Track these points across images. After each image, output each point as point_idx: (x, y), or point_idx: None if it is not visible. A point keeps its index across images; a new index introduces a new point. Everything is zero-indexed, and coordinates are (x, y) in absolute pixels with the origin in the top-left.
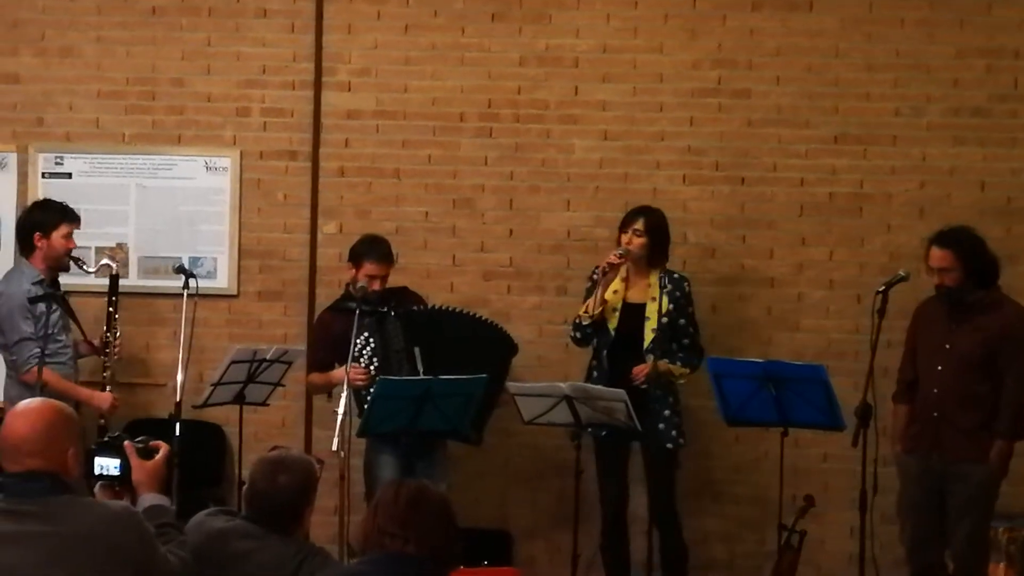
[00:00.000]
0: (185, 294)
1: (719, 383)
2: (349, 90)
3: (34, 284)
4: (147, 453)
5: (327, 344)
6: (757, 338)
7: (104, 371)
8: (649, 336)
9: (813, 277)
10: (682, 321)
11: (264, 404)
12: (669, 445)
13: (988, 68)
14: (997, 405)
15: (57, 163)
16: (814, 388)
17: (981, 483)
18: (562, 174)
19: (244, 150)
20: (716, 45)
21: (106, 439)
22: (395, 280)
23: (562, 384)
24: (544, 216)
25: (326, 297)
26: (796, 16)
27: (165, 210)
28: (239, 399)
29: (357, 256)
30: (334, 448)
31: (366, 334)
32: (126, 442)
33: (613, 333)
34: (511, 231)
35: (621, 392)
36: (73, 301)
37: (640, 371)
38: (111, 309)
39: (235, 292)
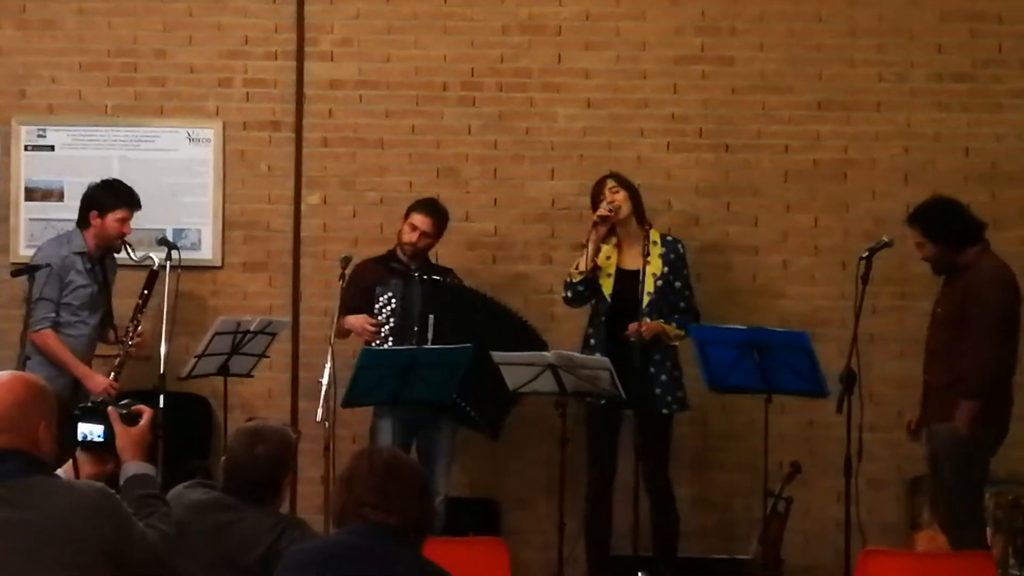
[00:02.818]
0: (168, 266)
1: (703, 350)
2: (332, 60)
3: (76, 253)
4: (131, 419)
5: (357, 291)
6: (742, 305)
7: (116, 356)
8: (645, 300)
9: (798, 244)
10: (678, 284)
11: (249, 375)
12: (665, 411)
13: (972, 33)
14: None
15: (40, 136)
16: (797, 355)
17: (945, 442)
18: (546, 143)
19: (227, 121)
20: (699, 12)
21: (90, 404)
22: (381, 250)
23: (546, 353)
24: (528, 185)
25: (311, 268)
26: None
27: (148, 182)
28: (223, 371)
29: (409, 209)
30: (318, 419)
31: (389, 294)
32: (110, 408)
33: (609, 300)
34: (495, 200)
35: (605, 360)
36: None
37: (634, 328)
38: (140, 302)
39: (219, 263)
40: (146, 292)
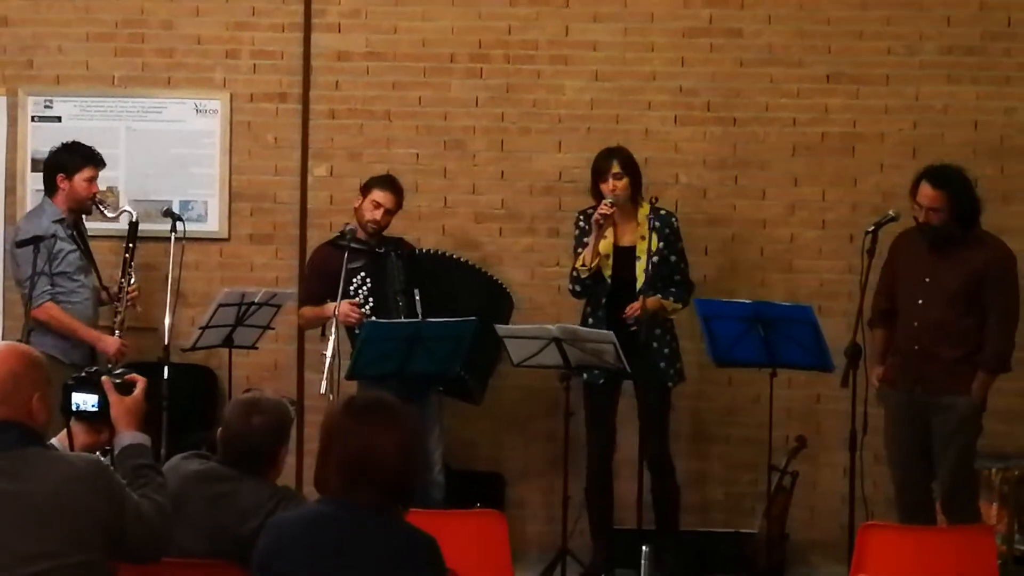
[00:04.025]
0: (173, 237)
1: (708, 324)
2: (339, 32)
3: (55, 222)
4: (125, 388)
5: (321, 278)
6: (750, 279)
7: (115, 316)
8: (642, 277)
9: (806, 217)
10: (673, 258)
11: (253, 347)
12: (669, 384)
13: (981, 5)
14: (979, 338)
15: (47, 106)
16: (802, 328)
17: (964, 415)
18: (553, 115)
19: (234, 92)
20: None
21: (84, 374)
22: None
23: (551, 326)
24: (535, 158)
25: (317, 240)
26: None
27: (155, 153)
28: (228, 342)
29: (367, 187)
30: (322, 391)
31: (363, 273)
32: (104, 377)
33: (609, 280)
34: (502, 173)
35: (609, 334)
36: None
37: (632, 309)
38: (127, 255)
39: (226, 235)
40: (131, 245)
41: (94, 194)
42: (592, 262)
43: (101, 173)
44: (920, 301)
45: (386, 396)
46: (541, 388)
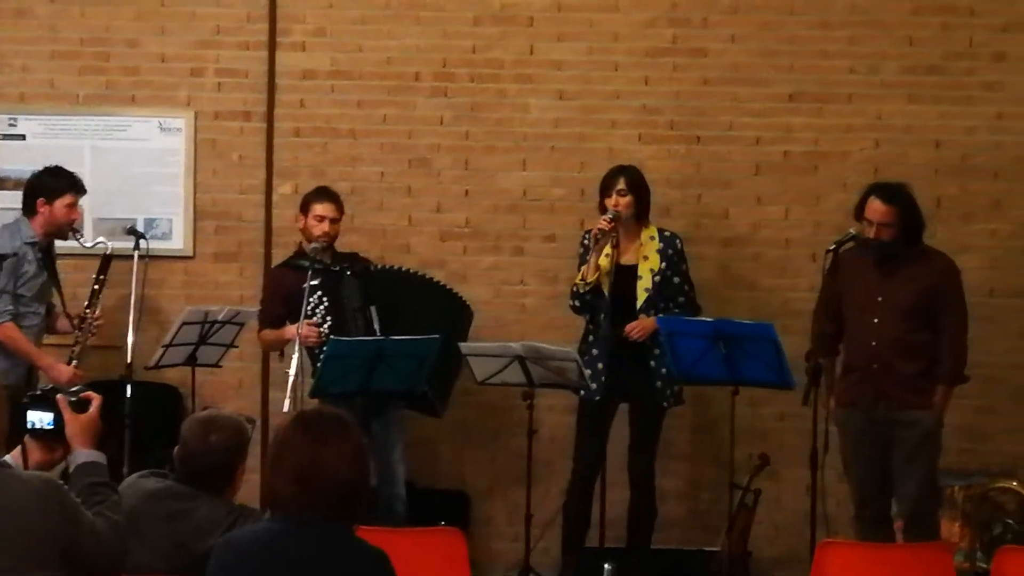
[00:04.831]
0: (136, 255)
1: (671, 341)
2: (304, 50)
3: (27, 243)
4: (80, 405)
5: (278, 300)
6: (714, 297)
7: (74, 344)
8: (642, 296)
9: (769, 236)
10: (676, 280)
11: (217, 365)
12: (664, 404)
13: (943, 26)
14: (934, 353)
15: (11, 124)
16: (764, 346)
17: (928, 430)
18: (518, 133)
19: (199, 111)
20: (671, 3)
21: (39, 392)
22: (352, 240)
23: (514, 344)
24: (500, 176)
25: (282, 258)
26: None
27: (120, 171)
28: (191, 360)
29: (305, 203)
30: (285, 409)
31: (319, 293)
32: (59, 395)
33: (608, 297)
34: (467, 191)
35: (572, 352)
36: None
37: (632, 328)
38: (96, 287)
39: (191, 253)
40: (101, 277)
41: (73, 220)
42: (591, 277)
43: None
44: (875, 320)
45: (335, 411)
46: (505, 406)
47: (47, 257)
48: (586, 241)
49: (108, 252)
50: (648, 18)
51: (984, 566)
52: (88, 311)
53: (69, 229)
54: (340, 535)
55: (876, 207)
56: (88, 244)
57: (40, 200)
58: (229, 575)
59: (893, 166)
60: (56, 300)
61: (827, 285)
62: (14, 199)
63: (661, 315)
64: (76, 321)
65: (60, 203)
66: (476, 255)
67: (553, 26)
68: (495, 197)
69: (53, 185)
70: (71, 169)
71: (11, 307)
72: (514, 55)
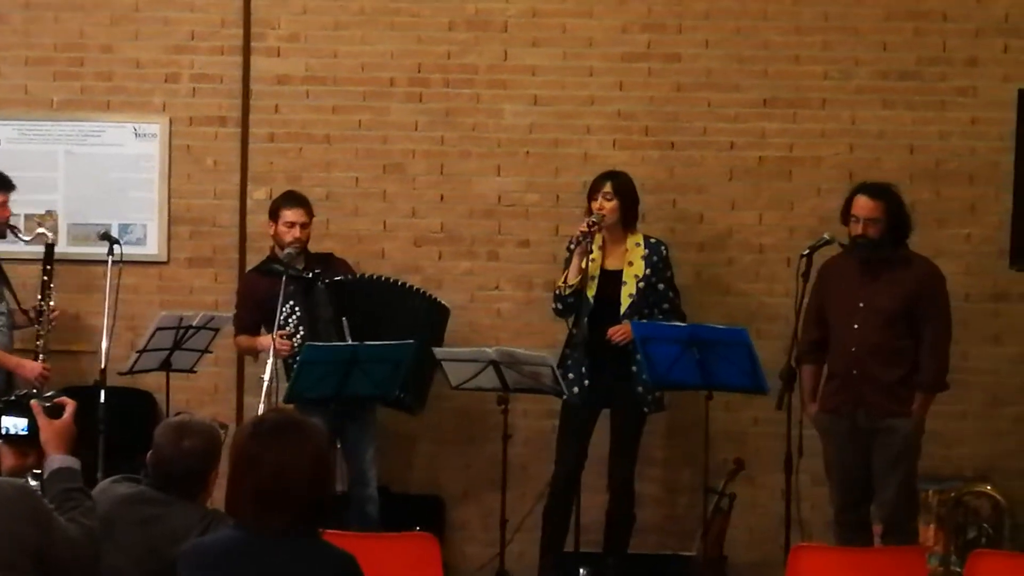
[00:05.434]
0: (110, 260)
1: (644, 346)
2: (278, 55)
3: None
4: (54, 411)
5: (251, 306)
6: (687, 302)
7: (37, 339)
8: (626, 302)
9: (742, 241)
10: (661, 286)
11: (192, 371)
12: (645, 409)
13: (916, 31)
14: (915, 359)
15: None
16: (737, 351)
17: (907, 437)
18: (492, 139)
19: (173, 116)
20: (646, 9)
21: (12, 398)
22: (327, 246)
23: (488, 349)
24: (475, 181)
25: (256, 263)
26: None
27: (94, 177)
28: (165, 366)
29: (274, 210)
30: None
31: (291, 302)
32: (33, 401)
33: (592, 301)
34: (442, 196)
35: (547, 357)
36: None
37: (615, 331)
38: (46, 278)
39: (165, 259)
40: (48, 267)
41: (7, 218)
42: (574, 280)
43: (40, 197)
44: (856, 326)
45: (292, 414)
46: (480, 411)
47: None
48: (572, 246)
49: (50, 240)
50: (622, 23)
51: (958, 570)
52: (42, 302)
53: (5, 227)
54: (304, 540)
55: (862, 203)
56: (27, 238)
57: None
58: None
59: (867, 171)
60: (8, 298)
61: (813, 292)
62: None
63: (636, 320)
64: (33, 314)
65: None
66: (451, 260)
67: (527, 32)
68: (470, 202)
69: None
70: (41, 173)
71: None
72: (488, 60)
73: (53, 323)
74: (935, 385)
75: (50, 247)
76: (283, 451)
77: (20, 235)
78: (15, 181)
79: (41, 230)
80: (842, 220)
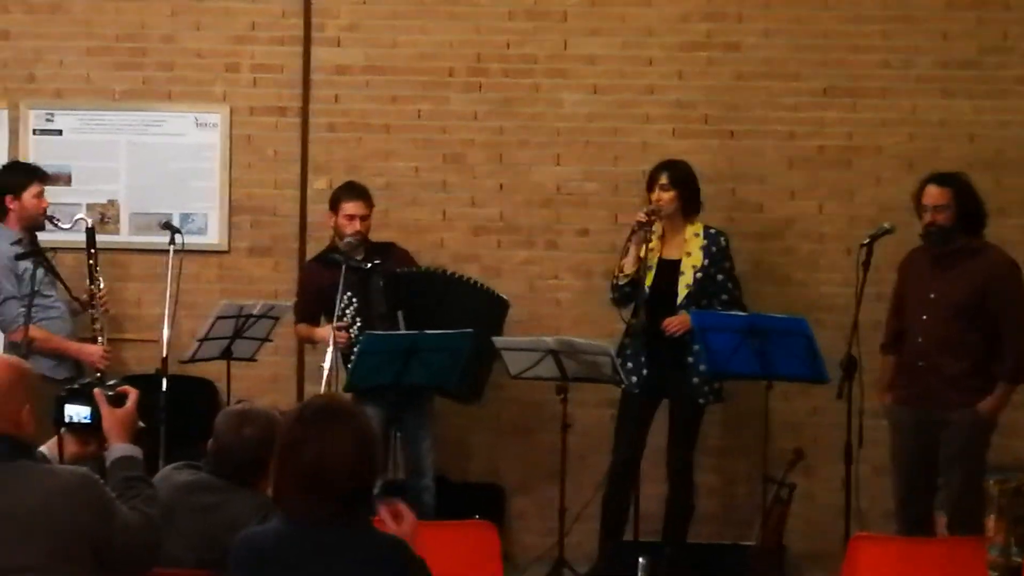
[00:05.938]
0: (171, 250)
1: (704, 336)
2: (338, 45)
3: (13, 244)
4: (117, 400)
5: (311, 295)
6: (746, 291)
7: (93, 323)
8: (683, 292)
9: (802, 230)
10: (720, 277)
11: (252, 359)
12: (701, 400)
13: (978, 20)
14: (985, 351)
15: (48, 120)
16: (797, 341)
17: (973, 431)
18: (551, 128)
19: (234, 106)
20: None
21: (76, 386)
22: (386, 236)
23: (547, 338)
24: (534, 170)
25: (316, 252)
26: None
27: (156, 166)
28: (226, 354)
29: (335, 201)
30: None
31: (349, 293)
32: (96, 389)
33: (648, 290)
34: (501, 186)
35: (606, 346)
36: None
37: (670, 322)
38: (91, 262)
39: (226, 248)
40: (92, 251)
41: (44, 209)
42: (630, 270)
43: (102, 186)
44: (924, 317)
45: (339, 400)
46: (537, 399)
47: (34, 247)
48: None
49: (89, 225)
50: (682, 12)
51: (1019, 560)
52: (92, 287)
53: (44, 218)
54: (353, 528)
55: (931, 191)
56: (66, 226)
57: (8, 197)
58: (245, 574)
59: (927, 160)
60: (61, 289)
61: (897, 283)
62: (51, 193)
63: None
64: (86, 299)
65: (28, 195)
66: (510, 250)
67: (587, 21)
68: (529, 192)
69: (15, 180)
70: (103, 163)
71: (21, 309)
72: (548, 50)
73: (105, 306)
74: (1017, 375)
75: (90, 231)
76: (324, 436)
77: (59, 223)
78: (77, 171)
79: (79, 216)
80: (916, 213)
